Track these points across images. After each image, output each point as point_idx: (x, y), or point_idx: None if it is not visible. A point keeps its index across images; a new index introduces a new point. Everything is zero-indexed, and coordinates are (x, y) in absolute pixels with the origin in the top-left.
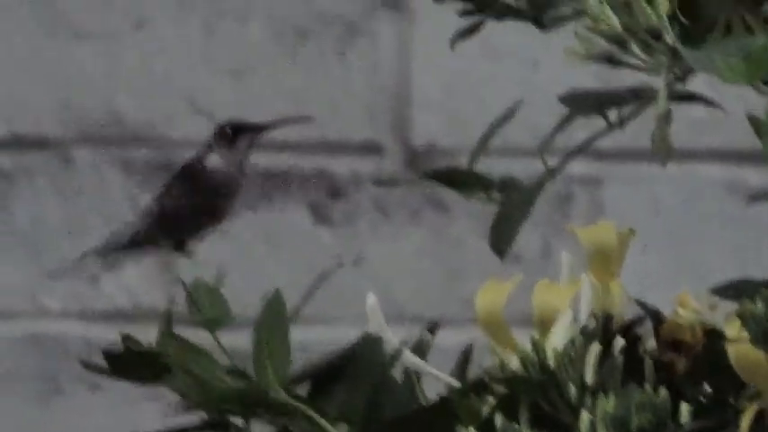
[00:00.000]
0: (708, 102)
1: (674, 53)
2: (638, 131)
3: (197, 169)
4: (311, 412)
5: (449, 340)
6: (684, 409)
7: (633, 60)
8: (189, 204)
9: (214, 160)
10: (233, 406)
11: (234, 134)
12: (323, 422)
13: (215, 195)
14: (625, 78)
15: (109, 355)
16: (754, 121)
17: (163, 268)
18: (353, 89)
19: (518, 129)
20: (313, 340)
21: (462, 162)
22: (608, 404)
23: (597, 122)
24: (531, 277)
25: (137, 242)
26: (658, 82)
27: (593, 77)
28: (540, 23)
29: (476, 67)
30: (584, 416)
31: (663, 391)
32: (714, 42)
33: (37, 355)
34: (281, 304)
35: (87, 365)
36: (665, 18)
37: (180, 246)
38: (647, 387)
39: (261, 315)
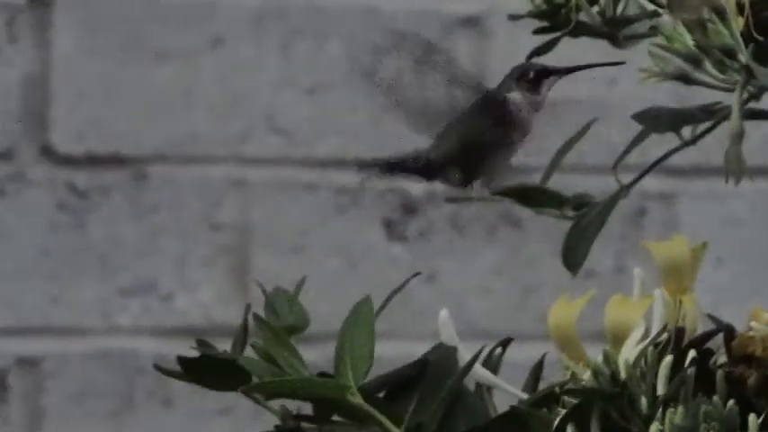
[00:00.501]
0: None
1: (747, 71)
2: (711, 147)
3: (500, 101)
4: (384, 418)
5: (521, 356)
6: (753, 420)
7: (707, 78)
8: (487, 134)
9: (516, 97)
10: (313, 405)
11: (536, 78)
12: (395, 430)
13: (513, 131)
14: (699, 95)
15: (184, 361)
16: None
17: (237, 284)
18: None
19: (593, 146)
20: (387, 355)
21: (537, 179)
22: (676, 415)
23: (670, 139)
24: (604, 293)
25: (423, 167)
26: (732, 99)
27: (667, 95)
28: (615, 41)
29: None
30: (654, 427)
31: (731, 403)
32: None
33: (110, 372)
34: (369, 308)
35: (162, 370)
36: (739, 36)
37: (468, 180)
38: (716, 399)
39: (349, 316)
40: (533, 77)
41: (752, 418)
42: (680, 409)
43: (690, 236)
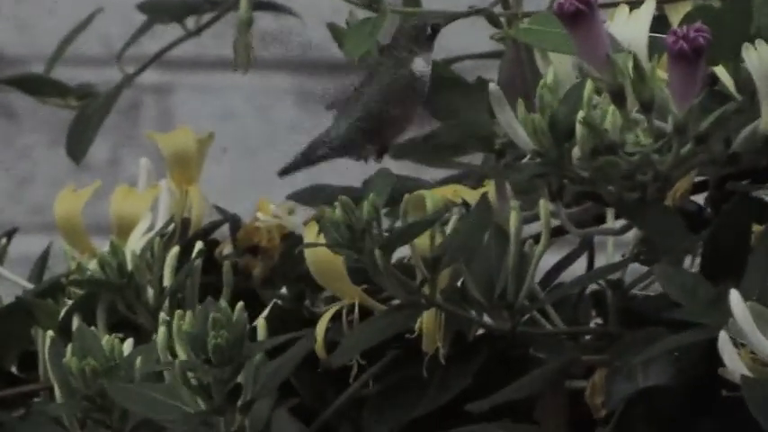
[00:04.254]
0: (286, 10)
1: None
2: (206, 40)
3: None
4: None
5: (20, 248)
6: (261, 323)
7: None
8: (393, 110)
9: (419, 65)
10: None
11: (433, 32)
12: None
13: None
14: None
15: None
16: (334, 30)
17: None
18: None
19: (88, 38)
20: None
21: (34, 70)
22: (185, 322)
23: (170, 31)
24: (100, 185)
25: (338, 148)
26: None
27: None
28: None
29: None
30: (161, 324)
31: (239, 307)
32: None
33: None
34: None
35: None
36: None
37: (382, 153)
38: (224, 305)
39: None
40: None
41: (260, 321)
42: (188, 314)
43: (187, 128)
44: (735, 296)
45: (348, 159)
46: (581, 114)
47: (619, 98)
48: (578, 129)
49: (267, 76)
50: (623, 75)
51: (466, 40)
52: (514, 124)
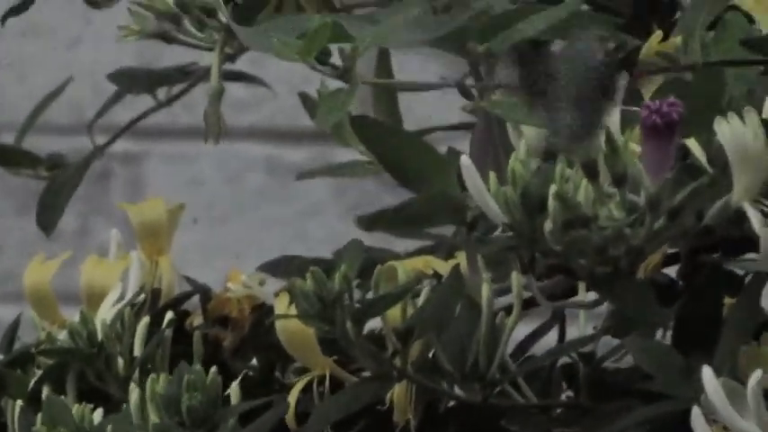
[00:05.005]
0: (257, 81)
1: (227, 31)
2: (177, 109)
3: None
4: None
5: None
6: (234, 388)
7: (187, 38)
8: None
9: None
10: None
11: None
12: None
13: None
14: (168, 56)
15: None
16: (305, 100)
17: None
18: None
19: (59, 107)
20: None
21: (4, 139)
22: (159, 383)
23: (135, 100)
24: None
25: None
26: (207, 60)
27: (132, 56)
28: (92, 2)
29: (17, 45)
30: (133, 389)
31: (213, 371)
32: (269, 21)
33: None
34: None
35: None
36: None
37: None
38: (199, 368)
39: None
40: None
41: (234, 386)
42: (162, 376)
43: (157, 197)
44: (707, 373)
45: (316, 229)
46: (553, 188)
47: (592, 172)
48: (550, 202)
49: (237, 143)
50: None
51: (437, 109)
52: (486, 197)
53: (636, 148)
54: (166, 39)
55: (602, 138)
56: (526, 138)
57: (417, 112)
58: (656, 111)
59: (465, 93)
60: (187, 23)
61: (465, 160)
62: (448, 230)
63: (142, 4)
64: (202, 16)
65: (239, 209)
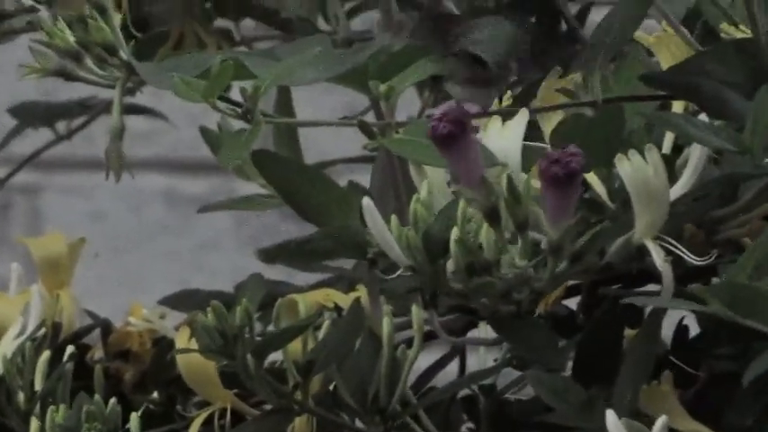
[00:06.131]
0: (157, 114)
1: (128, 67)
2: (76, 141)
3: None
4: None
5: None
6: (135, 418)
7: (88, 75)
8: None
9: None
10: None
11: None
12: None
13: None
14: (66, 90)
15: None
16: (206, 134)
17: None
18: None
19: None
20: None
21: None
22: (58, 414)
23: (31, 132)
24: None
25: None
26: (107, 93)
27: (34, 90)
28: None
29: None
30: (34, 424)
31: (112, 402)
32: (170, 58)
33: None
34: None
35: None
36: (119, 33)
37: None
38: (98, 398)
39: None
40: None
41: (133, 416)
42: (62, 407)
43: (55, 229)
44: (611, 416)
45: (216, 261)
46: (455, 232)
47: (493, 218)
48: (452, 247)
49: (137, 176)
50: (497, 195)
51: (338, 141)
52: (387, 237)
53: (537, 184)
54: (68, 76)
55: (504, 183)
56: (429, 177)
57: (318, 143)
58: (555, 161)
59: (366, 131)
60: (88, 61)
61: (367, 202)
62: (348, 263)
63: (42, 41)
64: (103, 53)
65: (139, 241)
